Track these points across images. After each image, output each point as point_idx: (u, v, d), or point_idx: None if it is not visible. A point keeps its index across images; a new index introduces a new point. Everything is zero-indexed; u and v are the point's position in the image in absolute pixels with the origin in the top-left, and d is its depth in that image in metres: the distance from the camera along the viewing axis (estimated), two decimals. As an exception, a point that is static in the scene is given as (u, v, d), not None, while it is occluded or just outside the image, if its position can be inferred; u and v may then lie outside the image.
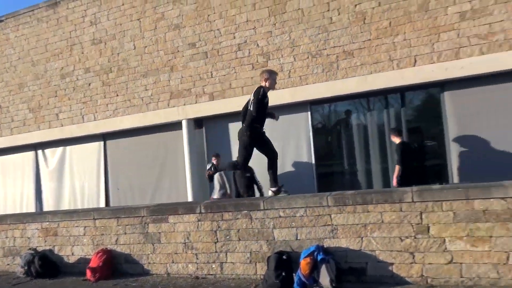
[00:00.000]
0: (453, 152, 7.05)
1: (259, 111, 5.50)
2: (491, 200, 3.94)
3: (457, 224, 4.06)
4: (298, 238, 4.73)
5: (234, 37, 8.31)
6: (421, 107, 7.92)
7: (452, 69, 6.75)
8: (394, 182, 6.74)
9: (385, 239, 4.36)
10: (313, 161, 7.88)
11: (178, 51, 8.81)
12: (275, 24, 7.98)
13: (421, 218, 4.23)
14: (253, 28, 8.16)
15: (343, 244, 4.53)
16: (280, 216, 4.83)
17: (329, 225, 4.60)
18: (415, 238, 4.24)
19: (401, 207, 4.32)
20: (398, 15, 7.11)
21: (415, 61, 7.02)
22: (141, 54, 9.17)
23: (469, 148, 6.94)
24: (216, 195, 8.19)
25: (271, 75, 5.72)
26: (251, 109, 5.55)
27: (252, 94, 5.79)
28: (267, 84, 5.67)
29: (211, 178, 7.94)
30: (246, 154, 5.76)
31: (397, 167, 6.84)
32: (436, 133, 7.40)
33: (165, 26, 8.95)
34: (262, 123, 5.78)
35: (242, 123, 5.78)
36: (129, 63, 9.29)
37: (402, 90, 7.47)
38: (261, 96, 5.51)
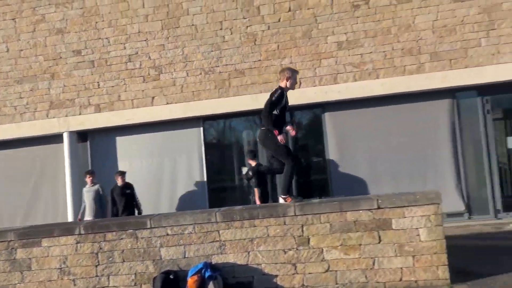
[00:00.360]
0: (333, 168, 7.72)
1: (273, 112, 4.92)
2: (360, 211, 4.39)
3: (333, 234, 4.42)
4: (186, 256, 4.65)
5: (125, 48, 8.00)
6: (307, 126, 8.57)
7: (331, 92, 7.45)
8: (258, 203, 6.86)
9: (270, 252, 4.53)
10: (205, 177, 7.89)
11: (61, 57, 8.15)
12: (168, 37, 7.90)
13: (302, 230, 4.50)
14: (145, 40, 7.96)
15: (231, 260, 4.58)
16: (167, 234, 4.69)
17: (217, 241, 4.62)
18: (297, 250, 4.48)
19: (285, 221, 4.55)
20: (285, 40, 7.63)
21: (300, 83, 7.55)
22: (15, 58, 8.25)
23: (346, 164, 7.67)
24: (88, 215, 7.49)
25: (293, 74, 5.03)
26: (263, 112, 4.98)
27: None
28: (288, 84, 5.00)
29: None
30: (284, 151, 5.06)
31: (256, 190, 6.96)
32: (319, 150, 8.03)
33: (45, 30, 8.20)
34: (281, 127, 5.06)
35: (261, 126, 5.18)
36: (0, 67, 8.27)
37: (290, 110, 7.95)
38: (275, 99, 4.90)
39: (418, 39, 7.35)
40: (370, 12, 7.50)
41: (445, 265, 4.13)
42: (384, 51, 7.41)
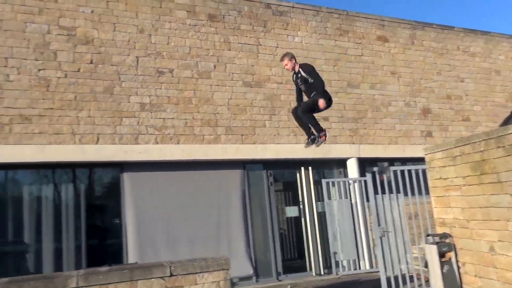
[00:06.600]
0: (129, 231, 7.24)
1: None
2: (153, 279, 4.15)
3: (121, 307, 4.01)
4: None
5: None
6: (103, 185, 7.96)
7: (131, 152, 7.22)
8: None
9: (39, 336, 3.74)
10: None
11: None
12: None
13: (84, 305, 3.92)
14: None
15: None
16: None
17: (-37, 328, 3.55)
18: (75, 329, 3.85)
19: (63, 295, 3.89)
20: (84, 92, 7.14)
21: (98, 139, 7.10)
22: None
23: (143, 227, 7.31)
24: None
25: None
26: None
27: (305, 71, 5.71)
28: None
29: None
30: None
31: None
32: (117, 211, 7.46)
33: None
34: None
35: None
36: None
37: (84, 166, 7.31)
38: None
39: (216, 112, 8.05)
40: (173, 81, 7.86)
41: (231, 330, 4.23)
42: (185, 119, 7.78)
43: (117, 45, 7.53)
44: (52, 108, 6.89)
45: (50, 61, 7.02)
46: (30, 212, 6.93)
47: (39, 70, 6.93)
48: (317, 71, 5.80)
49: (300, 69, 5.74)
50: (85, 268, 6.13)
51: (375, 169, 6.68)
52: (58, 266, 6.82)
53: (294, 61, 5.78)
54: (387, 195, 6.63)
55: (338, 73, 9.31)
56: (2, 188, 7.02)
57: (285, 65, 5.82)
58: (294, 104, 8.69)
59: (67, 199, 7.19)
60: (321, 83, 5.68)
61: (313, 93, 5.69)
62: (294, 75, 5.90)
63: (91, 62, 7.29)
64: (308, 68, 5.77)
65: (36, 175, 7.15)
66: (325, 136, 5.71)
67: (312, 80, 5.66)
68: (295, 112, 5.92)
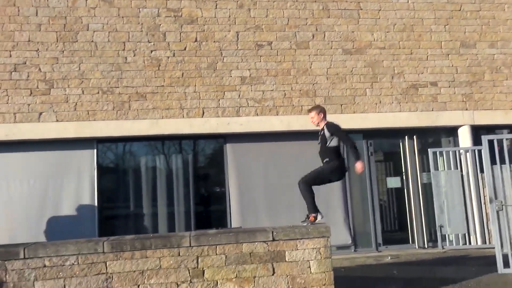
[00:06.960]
0: (232, 198, 7.74)
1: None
2: (256, 243, 4.45)
3: (228, 266, 4.39)
4: (65, 291, 4.17)
5: (10, 56, 7.19)
6: (208, 156, 8.55)
7: (233, 124, 7.60)
8: None
9: (162, 286, 4.30)
10: (96, 203, 7.31)
11: None
12: (63, 51, 7.34)
13: (197, 262, 4.38)
14: (36, 50, 7.28)
15: (118, 294, 4.23)
16: (45, 266, 4.18)
17: (104, 273, 4.25)
18: (191, 282, 4.33)
19: (179, 252, 4.39)
20: (190, 69, 7.64)
21: (203, 112, 7.60)
22: None
23: (245, 195, 7.74)
24: None
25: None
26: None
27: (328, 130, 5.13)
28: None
29: None
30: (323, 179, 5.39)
31: None
32: (220, 180, 8.01)
33: None
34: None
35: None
36: None
37: (191, 138, 7.92)
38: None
39: (314, 83, 7.98)
40: (272, 53, 7.95)
41: (332, 296, 4.35)
42: (284, 90, 7.87)
43: (219, 22, 7.84)
44: (163, 86, 7.54)
45: (160, 42, 7.64)
46: (146, 180, 7.80)
47: (151, 51, 7.60)
48: (344, 132, 5.10)
49: (324, 127, 5.14)
50: (195, 230, 6.77)
51: (493, 136, 6.06)
52: (171, 228, 7.63)
53: (322, 116, 5.19)
54: (507, 165, 5.99)
55: (450, 32, 8.45)
56: (122, 160, 8.02)
57: (311, 118, 5.27)
58: (398, 69, 8.25)
59: (176, 168, 7.92)
60: (350, 142, 5.04)
61: (326, 159, 5.13)
62: (320, 132, 5.26)
63: (196, 40, 7.73)
64: (333, 127, 5.07)
65: (148, 147, 7.98)
66: (314, 219, 4.90)
67: (331, 143, 5.05)
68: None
